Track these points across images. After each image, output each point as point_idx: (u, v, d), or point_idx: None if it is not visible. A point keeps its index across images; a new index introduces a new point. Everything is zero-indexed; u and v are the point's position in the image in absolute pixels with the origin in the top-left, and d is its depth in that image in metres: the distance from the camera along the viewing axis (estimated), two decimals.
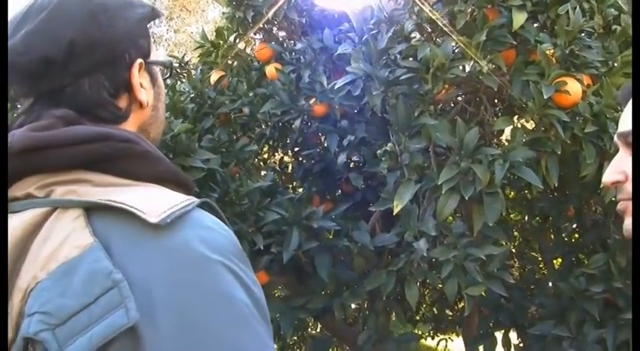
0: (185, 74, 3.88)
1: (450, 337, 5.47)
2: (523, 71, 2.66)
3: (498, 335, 3.30)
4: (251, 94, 3.56)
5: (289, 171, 4.38)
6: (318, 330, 4.97)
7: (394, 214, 2.67)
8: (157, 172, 0.94)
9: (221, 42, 3.66)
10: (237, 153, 3.31)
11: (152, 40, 1.09)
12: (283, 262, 2.80)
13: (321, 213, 2.96)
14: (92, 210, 0.85)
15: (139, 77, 1.02)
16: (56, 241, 0.82)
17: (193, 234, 0.82)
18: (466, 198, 2.50)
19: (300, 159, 4.06)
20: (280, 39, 3.76)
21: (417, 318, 4.75)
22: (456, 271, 2.62)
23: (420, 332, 5.50)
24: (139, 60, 1.01)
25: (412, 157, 2.68)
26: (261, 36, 3.80)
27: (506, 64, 2.76)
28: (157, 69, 1.09)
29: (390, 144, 2.74)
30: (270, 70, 3.51)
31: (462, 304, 3.55)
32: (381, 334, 3.15)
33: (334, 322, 3.25)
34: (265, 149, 4.11)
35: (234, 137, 3.69)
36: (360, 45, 2.84)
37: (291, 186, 4.31)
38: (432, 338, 5.52)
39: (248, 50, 3.84)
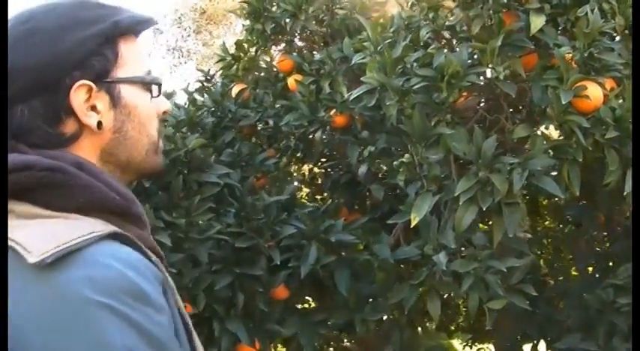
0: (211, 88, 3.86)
1: (487, 347, 5.35)
2: (542, 76, 2.58)
3: (527, 347, 3.20)
4: (278, 106, 3.53)
5: (318, 182, 4.35)
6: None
7: (412, 226, 2.61)
8: (76, 202, 0.90)
9: (242, 54, 3.64)
10: (257, 166, 3.28)
11: (120, 56, 1.02)
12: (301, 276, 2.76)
13: (341, 226, 2.91)
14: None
15: (85, 100, 0.97)
16: None
17: (79, 273, 0.79)
18: (484, 209, 2.42)
19: (329, 170, 4.03)
20: (303, 50, 3.72)
21: (453, 328, 4.65)
22: (477, 284, 2.54)
23: (460, 341, 5.42)
24: (82, 82, 0.96)
25: (430, 168, 2.61)
26: (283, 47, 3.77)
27: (527, 69, 2.68)
28: (123, 88, 1.02)
29: (407, 155, 2.68)
30: (292, 81, 3.48)
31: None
32: (407, 348, 3.08)
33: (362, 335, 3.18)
34: (292, 161, 4.07)
35: (260, 150, 3.67)
36: (376, 54, 2.78)
37: (319, 197, 4.28)
38: (470, 348, 5.40)
39: (270, 62, 3.80)
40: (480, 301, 2.57)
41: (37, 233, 0.83)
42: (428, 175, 2.62)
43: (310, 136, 3.62)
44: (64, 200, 0.90)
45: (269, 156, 3.70)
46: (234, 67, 3.67)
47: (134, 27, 1.05)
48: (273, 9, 3.53)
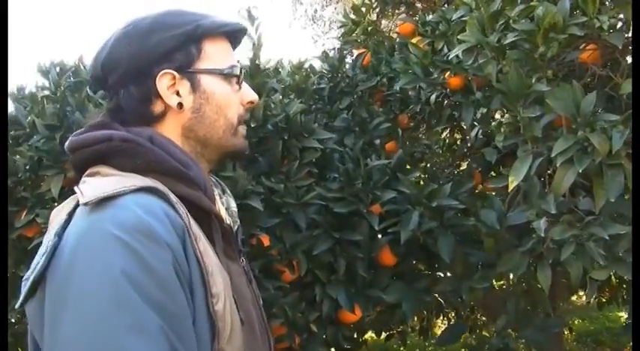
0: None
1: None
2: None
3: None
4: (394, 69, 3.45)
5: (455, 148, 4.23)
6: None
7: (509, 190, 2.47)
8: (134, 164, 1.16)
9: (362, 19, 3.59)
10: (371, 131, 3.24)
11: (203, 52, 1.27)
12: (401, 242, 2.70)
13: (448, 191, 2.81)
14: None
15: (170, 85, 1.23)
16: (61, 217, 1.12)
17: (109, 213, 1.04)
18: (580, 171, 2.24)
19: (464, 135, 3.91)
20: (423, 12, 3.61)
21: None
22: (579, 252, 2.36)
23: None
24: (166, 70, 1.22)
25: (528, 128, 2.45)
26: (403, 10, 3.68)
27: None
28: (203, 77, 1.26)
29: (507, 115, 2.53)
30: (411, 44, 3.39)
31: None
32: (521, 319, 2.93)
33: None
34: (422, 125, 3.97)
35: (393, 116, 3.63)
36: (475, 10, 2.63)
37: (457, 163, 4.17)
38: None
39: (390, 25, 3.73)
40: (585, 271, 2.39)
41: (96, 185, 1.10)
42: (525, 136, 2.46)
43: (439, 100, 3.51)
44: (127, 163, 1.16)
45: (402, 121, 3.66)
46: (355, 32, 3.64)
47: (215, 30, 1.28)
48: None
